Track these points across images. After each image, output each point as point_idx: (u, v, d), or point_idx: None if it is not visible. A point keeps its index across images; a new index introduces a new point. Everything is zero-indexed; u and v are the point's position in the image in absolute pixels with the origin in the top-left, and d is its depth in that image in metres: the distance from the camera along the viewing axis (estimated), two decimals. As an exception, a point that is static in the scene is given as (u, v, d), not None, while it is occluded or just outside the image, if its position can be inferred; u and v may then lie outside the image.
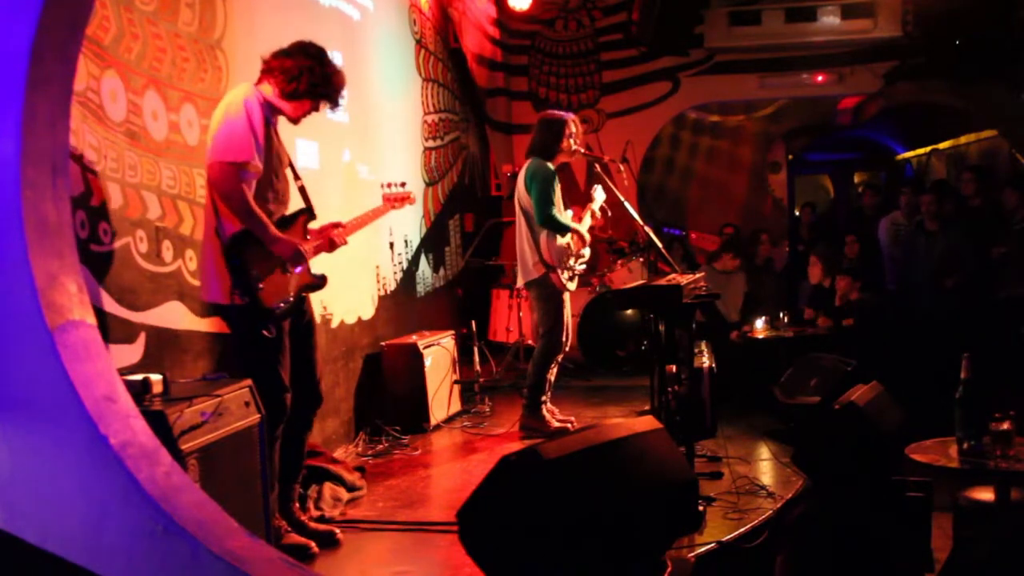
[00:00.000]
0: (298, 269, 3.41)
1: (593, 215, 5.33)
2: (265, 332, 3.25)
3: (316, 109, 3.51)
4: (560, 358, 5.18)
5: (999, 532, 3.30)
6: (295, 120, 3.51)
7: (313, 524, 3.59)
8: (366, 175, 5.61)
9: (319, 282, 3.51)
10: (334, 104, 3.51)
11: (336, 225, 3.68)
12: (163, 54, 3.69)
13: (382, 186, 4.03)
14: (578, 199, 7.10)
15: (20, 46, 2.24)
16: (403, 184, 4.06)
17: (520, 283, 5.22)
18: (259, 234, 3.23)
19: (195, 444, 2.80)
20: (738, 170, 11.36)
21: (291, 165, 3.56)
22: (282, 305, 3.32)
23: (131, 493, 2.21)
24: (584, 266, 5.28)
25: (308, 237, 3.52)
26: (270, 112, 3.39)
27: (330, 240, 3.60)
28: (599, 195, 5.39)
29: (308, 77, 3.36)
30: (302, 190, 3.57)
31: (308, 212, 3.54)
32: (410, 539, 3.62)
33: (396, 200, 3.99)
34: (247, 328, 3.30)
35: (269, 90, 3.38)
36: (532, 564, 2.15)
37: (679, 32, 8.58)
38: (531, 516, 2.15)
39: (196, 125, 3.89)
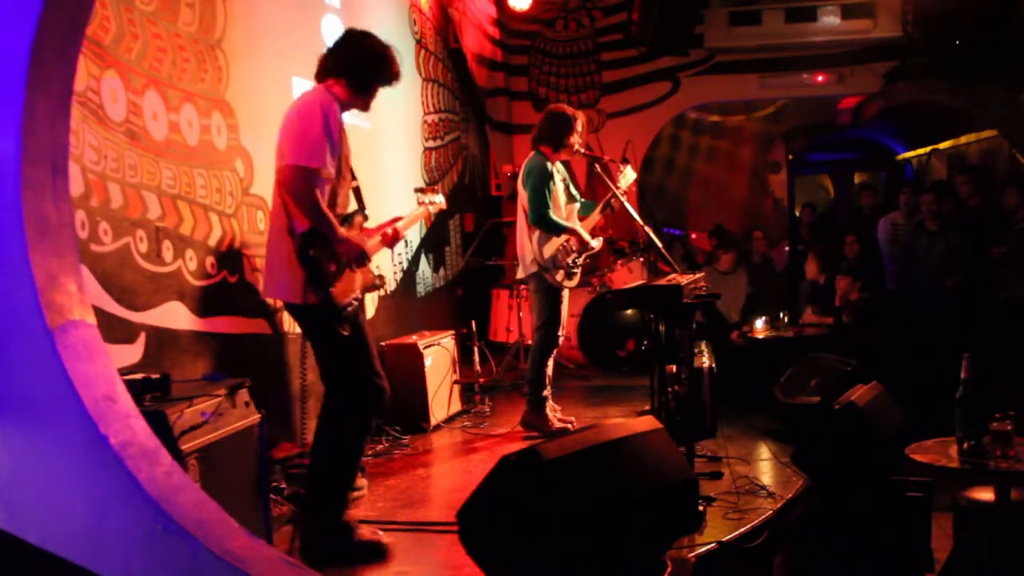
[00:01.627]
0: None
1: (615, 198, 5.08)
2: (342, 331, 3.25)
3: (376, 92, 3.55)
4: (555, 353, 5.17)
5: (999, 532, 3.31)
6: (366, 109, 3.55)
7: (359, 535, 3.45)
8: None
9: (380, 282, 3.55)
10: (395, 83, 3.54)
11: (396, 220, 3.74)
12: (163, 54, 3.70)
13: (415, 191, 4.13)
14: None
15: (20, 46, 2.24)
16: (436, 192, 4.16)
17: (520, 275, 5.21)
18: (328, 234, 3.21)
19: (195, 444, 2.80)
20: (738, 170, 11.36)
21: (351, 168, 3.58)
22: (353, 303, 3.33)
23: (131, 493, 2.21)
24: (590, 260, 5.23)
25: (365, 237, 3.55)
26: (341, 112, 3.39)
27: (395, 233, 3.66)
28: (629, 175, 5.22)
29: (374, 68, 3.40)
30: (356, 191, 3.58)
31: (361, 212, 3.56)
32: (410, 539, 3.61)
33: (431, 203, 4.07)
34: (322, 326, 3.28)
35: (338, 89, 3.38)
36: (532, 564, 2.15)
37: (679, 32, 8.59)
38: (531, 516, 2.15)
39: (196, 125, 3.89)
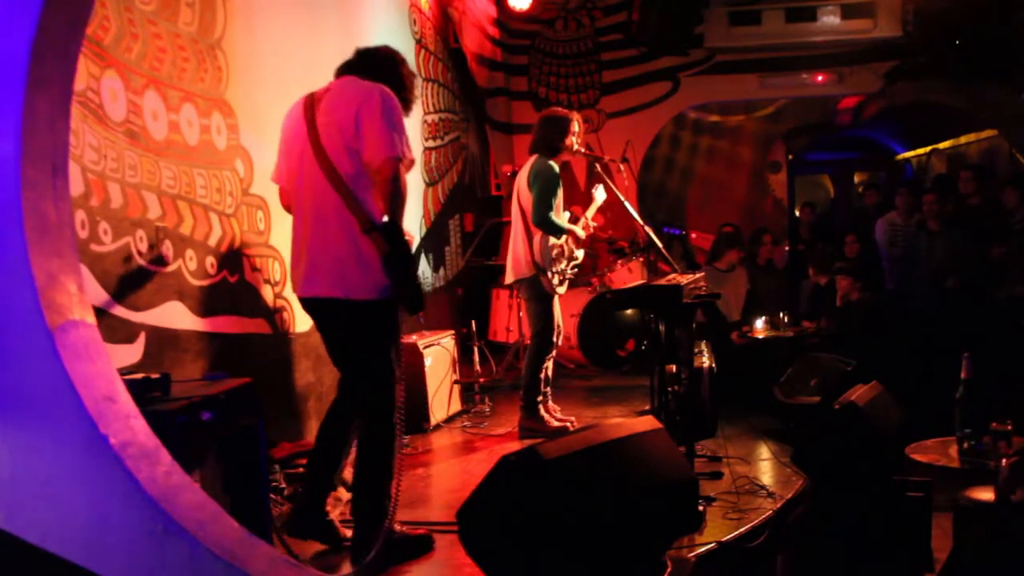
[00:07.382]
0: None
1: (595, 215, 5.34)
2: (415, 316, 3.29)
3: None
4: (552, 355, 5.17)
5: (999, 532, 3.30)
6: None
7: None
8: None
9: None
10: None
11: None
12: (163, 54, 3.70)
13: None
14: (578, 199, 7.10)
15: (20, 46, 2.24)
16: None
17: (509, 280, 5.19)
18: (402, 226, 3.13)
19: (196, 444, 2.79)
20: (738, 170, 11.37)
21: None
22: None
23: (131, 493, 2.21)
24: (577, 269, 5.25)
25: None
26: None
27: None
28: (599, 195, 5.38)
29: (410, 95, 3.43)
30: None
31: None
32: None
33: None
34: (390, 318, 3.22)
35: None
36: (532, 564, 2.15)
37: (679, 32, 8.59)
38: (531, 516, 2.15)
39: (196, 125, 3.89)
